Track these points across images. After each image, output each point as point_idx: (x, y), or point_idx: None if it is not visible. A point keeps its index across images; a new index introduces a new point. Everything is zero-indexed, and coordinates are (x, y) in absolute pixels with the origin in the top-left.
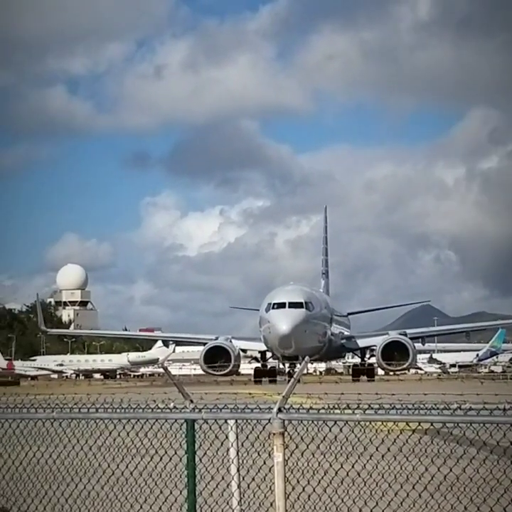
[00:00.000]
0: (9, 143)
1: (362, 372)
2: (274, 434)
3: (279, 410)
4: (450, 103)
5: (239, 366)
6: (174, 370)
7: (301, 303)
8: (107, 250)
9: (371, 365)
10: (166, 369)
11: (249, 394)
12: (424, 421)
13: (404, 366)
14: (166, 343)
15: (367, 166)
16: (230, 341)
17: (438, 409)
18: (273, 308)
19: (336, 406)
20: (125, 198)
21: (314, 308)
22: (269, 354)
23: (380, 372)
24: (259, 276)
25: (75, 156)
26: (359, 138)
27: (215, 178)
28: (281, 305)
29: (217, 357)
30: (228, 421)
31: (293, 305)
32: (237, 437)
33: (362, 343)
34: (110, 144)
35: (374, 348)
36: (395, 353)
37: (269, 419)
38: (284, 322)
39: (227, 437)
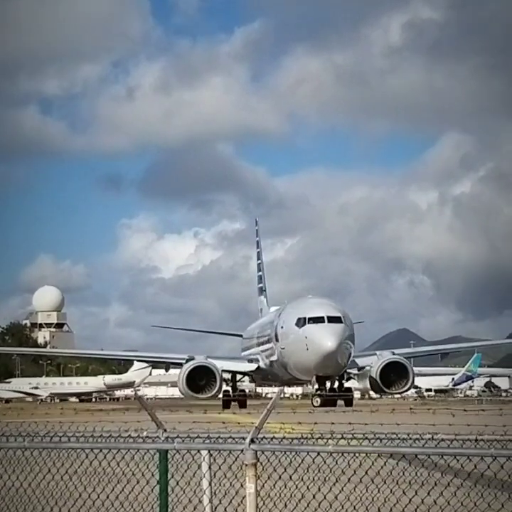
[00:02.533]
0: None
1: (338, 397)
2: (246, 464)
3: (252, 441)
4: (423, 127)
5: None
6: (150, 393)
7: (340, 317)
8: (82, 272)
9: (349, 389)
10: (139, 398)
11: (223, 423)
12: (396, 452)
13: (407, 388)
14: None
15: (341, 189)
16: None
17: (411, 439)
18: (309, 322)
19: (310, 435)
20: (100, 220)
21: (349, 323)
22: (239, 376)
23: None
24: (234, 299)
25: (49, 177)
26: (334, 161)
27: (190, 201)
28: (319, 319)
29: (197, 378)
30: (201, 451)
31: (332, 319)
32: (209, 468)
33: (361, 363)
34: (84, 165)
35: (350, 371)
36: (391, 374)
37: (242, 450)
38: (328, 338)
39: (199, 467)
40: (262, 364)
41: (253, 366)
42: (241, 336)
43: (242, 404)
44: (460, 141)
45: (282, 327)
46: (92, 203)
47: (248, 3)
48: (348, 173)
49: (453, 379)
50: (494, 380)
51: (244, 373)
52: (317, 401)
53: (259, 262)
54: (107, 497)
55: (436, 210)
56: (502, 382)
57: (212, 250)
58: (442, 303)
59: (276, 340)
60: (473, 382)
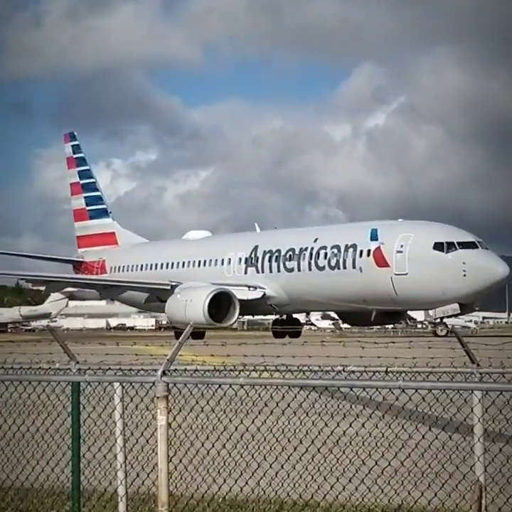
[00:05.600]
0: None
1: (286, 324)
2: (158, 397)
3: (164, 373)
4: (336, 59)
5: None
6: (67, 324)
7: (484, 243)
8: None
9: (296, 318)
10: (51, 330)
11: (136, 355)
12: (306, 385)
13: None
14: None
15: (255, 120)
16: None
17: (322, 371)
18: (459, 247)
19: (223, 367)
20: (10, 149)
21: None
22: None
23: None
24: (148, 230)
25: None
26: (248, 92)
27: (102, 131)
28: (471, 244)
29: (210, 306)
30: (113, 383)
31: (483, 245)
32: (121, 400)
33: None
34: None
35: None
36: None
37: (154, 382)
38: (496, 263)
39: (111, 399)
40: (270, 292)
41: (259, 294)
42: (72, 261)
43: (199, 335)
44: (373, 73)
45: (400, 252)
46: (1, 131)
47: None
48: (262, 104)
49: None
50: (410, 312)
51: (248, 301)
52: (441, 330)
53: (92, 180)
54: (18, 429)
55: (349, 142)
56: (418, 315)
57: (126, 181)
58: None
59: (383, 265)
60: None
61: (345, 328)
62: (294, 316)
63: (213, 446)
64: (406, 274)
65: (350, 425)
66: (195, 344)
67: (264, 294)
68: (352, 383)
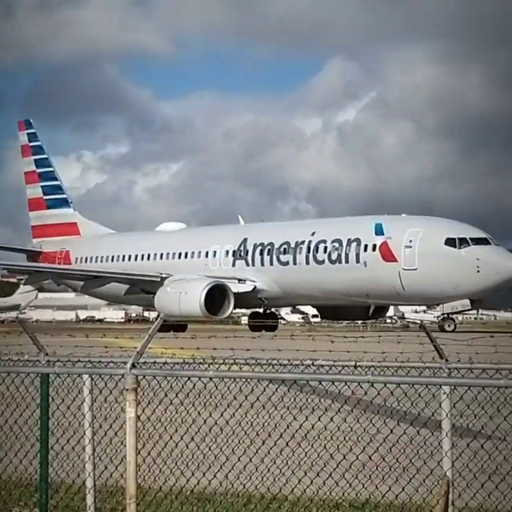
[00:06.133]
0: None
1: (264, 319)
2: (127, 389)
3: (133, 366)
4: (308, 53)
5: None
6: (36, 316)
7: (494, 240)
8: None
9: (273, 312)
10: (20, 321)
11: (105, 347)
12: (275, 378)
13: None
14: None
15: (227, 114)
16: None
17: (291, 365)
18: (472, 243)
19: (192, 360)
20: None
21: None
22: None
23: None
24: (118, 223)
25: None
26: (219, 85)
27: (73, 123)
28: (483, 241)
29: (206, 299)
30: (82, 375)
31: (495, 242)
32: (90, 392)
33: None
34: None
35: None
36: None
37: (123, 375)
38: (509, 260)
39: (80, 391)
40: (261, 285)
41: (249, 287)
42: (29, 251)
43: (181, 328)
44: (345, 68)
45: (409, 247)
46: None
47: None
48: (234, 97)
49: None
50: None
51: (238, 294)
52: (449, 325)
53: (50, 169)
54: None
55: (320, 137)
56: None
57: (96, 174)
58: None
59: (391, 260)
60: None
61: (315, 323)
62: (271, 309)
63: (182, 439)
64: (415, 269)
65: (319, 419)
66: (165, 337)
67: (255, 288)
68: (321, 377)
